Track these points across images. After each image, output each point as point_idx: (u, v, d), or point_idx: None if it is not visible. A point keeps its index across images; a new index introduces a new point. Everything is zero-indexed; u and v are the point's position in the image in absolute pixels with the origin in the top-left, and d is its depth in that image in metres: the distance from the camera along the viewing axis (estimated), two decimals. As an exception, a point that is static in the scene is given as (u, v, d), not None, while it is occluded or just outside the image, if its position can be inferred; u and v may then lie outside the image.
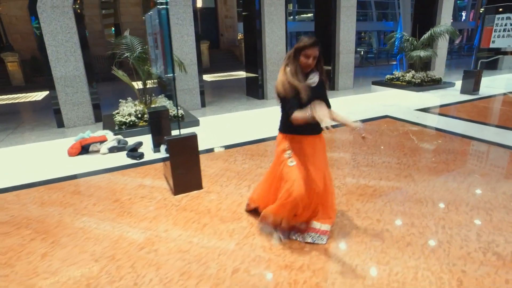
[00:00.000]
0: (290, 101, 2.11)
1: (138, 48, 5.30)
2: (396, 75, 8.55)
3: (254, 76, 8.84)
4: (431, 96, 7.35)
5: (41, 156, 4.33)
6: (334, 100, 7.45)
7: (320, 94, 2.19)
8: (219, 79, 13.16)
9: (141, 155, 4.05)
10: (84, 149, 4.20)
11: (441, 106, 6.39)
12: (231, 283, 1.95)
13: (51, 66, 6.15)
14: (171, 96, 6.66)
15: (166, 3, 2.79)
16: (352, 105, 6.92)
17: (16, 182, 3.54)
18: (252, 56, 8.84)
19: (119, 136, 4.47)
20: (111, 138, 4.33)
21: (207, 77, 13.78)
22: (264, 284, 1.94)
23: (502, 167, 3.48)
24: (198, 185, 3.15)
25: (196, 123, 5.58)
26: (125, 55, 5.26)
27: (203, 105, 7.69)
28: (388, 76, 8.79)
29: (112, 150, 4.20)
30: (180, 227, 2.56)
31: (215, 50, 17.70)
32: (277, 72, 7.37)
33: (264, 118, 6.07)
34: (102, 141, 4.27)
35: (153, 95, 6.13)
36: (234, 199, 2.96)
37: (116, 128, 5.03)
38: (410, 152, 3.92)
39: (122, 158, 4.07)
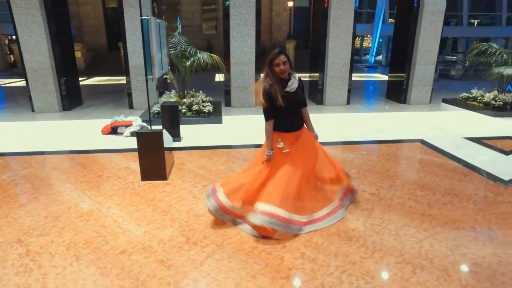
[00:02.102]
0: (265, 111, 2.57)
1: (181, 46, 5.96)
2: (474, 94, 7.29)
3: (315, 80, 8.77)
4: (508, 124, 6.08)
5: (93, 131, 5.41)
6: (383, 115, 6.89)
7: (299, 97, 2.65)
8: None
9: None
10: (114, 130, 5.07)
11: (507, 137, 5.27)
12: (108, 261, 2.31)
13: (128, 57, 7.43)
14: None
15: (147, 16, 3.22)
16: (396, 122, 6.29)
17: (55, 148, 4.59)
18: (316, 60, 8.76)
19: (143, 123, 5.21)
20: (136, 124, 5.09)
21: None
22: (137, 270, 2.22)
23: None
24: (162, 176, 3.56)
25: (219, 120, 5.99)
26: (170, 52, 5.98)
27: None
28: (463, 95, 7.55)
29: (133, 134, 4.95)
30: (120, 207, 3.03)
31: (304, 49, 17.71)
32: (338, 79, 7.43)
33: (314, 124, 6.03)
34: (128, 125, 5.07)
35: (193, 89, 6.78)
36: (181, 195, 3.28)
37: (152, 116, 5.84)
38: (400, 186, 3.52)
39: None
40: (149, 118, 3.55)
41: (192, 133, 5.28)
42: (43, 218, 2.83)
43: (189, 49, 5.79)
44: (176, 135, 4.82)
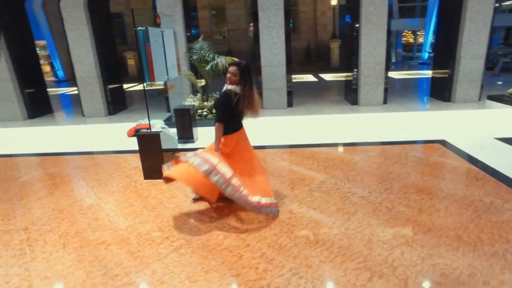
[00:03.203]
0: (225, 112, 2.87)
1: (203, 52, 6.24)
2: (525, 89, 6.44)
3: (349, 79, 8.52)
4: None
5: (124, 133, 5.95)
6: (418, 114, 6.44)
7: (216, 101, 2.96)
8: (334, 79, 12.98)
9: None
10: (137, 132, 5.51)
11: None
12: (88, 249, 2.59)
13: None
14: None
15: (144, 27, 3.49)
16: (426, 121, 5.84)
17: (84, 149, 5.16)
18: (349, 59, 8.51)
19: (161, 127, 5.57)
20: (156, 127, 5.47)
21: (326, 77, 13.80)
22: (108, 259, 2.47)
23: None
24: (162, 175, 3.81)
25: (237, 122, 6.14)
26: (192, 57, 6.30)
27: (290, 105, 8.08)
28: (511, 90, 6.71)
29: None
30: (116, 203, 3.34)
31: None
32: (372, 77, 7.27)
33: (335, 124, 5.98)
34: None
35: (217, 93, 7.02)
36: (174, 193, 3.49)
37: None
38: (397, 189, 3.31)
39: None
40: (148, 121, 3.83)
41: (209, 135, 5.51)
42: (51, 210, 3.25)
43: (207, 54, 6.05)
44: (189, 137, 5.09)
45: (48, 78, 18.63)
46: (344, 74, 8.99)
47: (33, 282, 2.29)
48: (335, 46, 16.10)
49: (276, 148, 4.76)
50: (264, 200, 2.88)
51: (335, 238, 2.57)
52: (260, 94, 7.98)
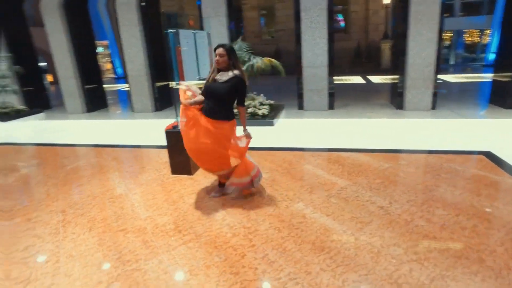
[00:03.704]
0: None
1: (240, 52, 6.37)
2: None
3: (394, 82, 8.11)
4: None
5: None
6: (469, 122, 5.92)
7: (217, 87, 2.94)
8: (383, 82, 12.39)
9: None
10: (173, 128, 5.81)
11: None
12: (109, 235, 2.83)
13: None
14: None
15: (174, 30, 3.69)
16: (475, 130, 5.34)
17: (128, 142, 5.57)
18: (396, 60, 8.10)
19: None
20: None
21: (375, 79, 13.24)
22: (124, 245, 2.68)
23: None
24: (187, 171, 4.00)
25: (270, 123, 6.17)
26: (241, 56, 6.42)
27: (331, 107, 7.94)
28: None
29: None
30: (142, 195, 3.58)
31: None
32: (420, 81, 6.97)
33: (373, 129, 5.76)
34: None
35: (254, 92, 7.12)
36: (195, 189, 3.64)
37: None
38: (421, 202, 3.10)
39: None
40: (176, 118, 4.04)
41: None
42: (86, 197, 3.59)
43: (243, 54, 6.16)
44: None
45: (109, 75, 20.35)
46: (391, 77, 8.55)
47: (60, 258, 2.57)
48: (386, 47, 15.34)
49: (304, 151, 4.71)
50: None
51: (342, 247, 2.50)
52: (301, 95, 7.91)
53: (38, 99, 10.08)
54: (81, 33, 9.30)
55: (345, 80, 13.13)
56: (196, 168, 4.08)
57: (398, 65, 7.77)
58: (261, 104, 6.65)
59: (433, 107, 7.40)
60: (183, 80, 3.95)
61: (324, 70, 7.65)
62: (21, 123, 8.07)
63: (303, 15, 7.42)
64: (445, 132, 5.35)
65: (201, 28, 7.98)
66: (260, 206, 3.19)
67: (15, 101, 9.21)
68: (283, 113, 7.36)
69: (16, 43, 9.59)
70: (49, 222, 3.12)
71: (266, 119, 6.21)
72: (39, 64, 11.06)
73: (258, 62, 6.00)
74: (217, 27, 7.94)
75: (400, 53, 7.51)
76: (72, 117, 8.77)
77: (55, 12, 8.73)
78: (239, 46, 6.52)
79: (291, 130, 5.89)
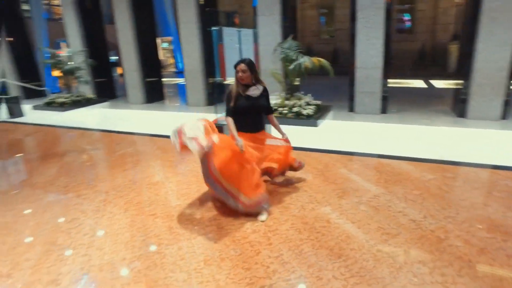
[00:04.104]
0: (227, 107, 3.05)
1: (290, 51, 6.34)
2: None
3: (457, 88, 7.44)
4: None
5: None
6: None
7: (258, 103, 3.04)
8: (447, 87, 11.37)
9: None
10: (217, 123, 6.03)
11: None
12: (140, 218, 3.05)
13: (259, 61, 8.40)
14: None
15: (216, 28, 3.82)
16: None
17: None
18: (461, 63, 7.43)
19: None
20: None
21: (439, 83, 12.24)
22: (151, 229, 2.88)
23: None
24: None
25: (314, 123, 6.05)
26: (281, 56, 6.44)
27: (384, 111, 7.57)
28: None
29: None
30: (177, 184, 3.79)
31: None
32: (488, 87, 6.45)
33: (424, 137, 5.38)
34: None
35: (302, 92, 7.03)
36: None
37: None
38: (462, 220, 2.82)
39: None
40: (216, 113, 4.17)
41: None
42: (128, 181, 3.91)
43: (291, 53, 6.12)
44: (260, 133, 5.30)
45: (171, 69, 21.63)
46: (454, 81, 7.82)
47: (96, 233, 2.85)
48: (454, 49, 13.99)
49: (342, 154, 4.55)
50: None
51: (361, 257, 2.39)
52: (352, 98, 7.63)
53: (106, 89, 11.14)
54: (145, 30, 10.02)
55: (405, 83, 12.30)
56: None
57: (463, 69, 7.09)
58: (307, 104, 6.55)
59: (504, 117, 6.61)
60: (224, 77, 4.08)
61: (378, 72, 7.28)
62: (89, 111, 9.00)
63: (358, 14, 7.13)
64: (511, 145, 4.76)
65: (255, 27, 8.11)
66: (286, 205, 3.17)
67: (87, 91, 10.29)
68: (331, 114, 7.17)
69: (92, 39, 10.69)
70: (94, 200, 3.47)
71: (311, 120, 6.10)
72: (110, 58, 12.19)
73: (306, 61, 5.90)
74: (270, 26, 7.99)
75: (466, 55, 6.84)
76: (132, 106, 9.52)
77: (125, 11, 9.53)
78: (289, 44, 6.48)
79: (335, 132, 5.71)
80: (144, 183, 3.83)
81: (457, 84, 7.54)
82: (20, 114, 8.03)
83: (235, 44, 4.23)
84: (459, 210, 2.97)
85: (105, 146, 5.47)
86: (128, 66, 10.09)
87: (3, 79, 8.40)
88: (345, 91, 7.65)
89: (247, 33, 4.60)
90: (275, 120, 3.30)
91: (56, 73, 10.08)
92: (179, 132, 2.81)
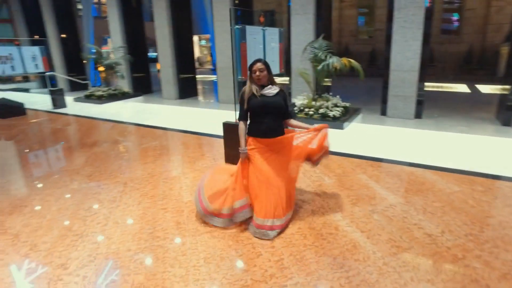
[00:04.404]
0: (240, 110, 2.89)
1: (319, 51, 6.19)
2: None
3: (503, 93, 6.86)
4: None
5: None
6: None
7: (274, 101, 2.74)
8: (494, 92, 10.51)
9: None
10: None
11: None
12: (151, 210, 3.14)
13: (291, 59, 8.30)
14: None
15: (238, 26, 3.80)
16: None
17: (196, 129, 6.01)
18: (510, 66, 6.85)
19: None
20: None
21: (485, 88, 11.37)
22: (159, 222, 2.95)
23: None
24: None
25: (339, 126, 5.86)
26: (310, 56, 6.31)
27: (418, 116, 7.19)
28: None
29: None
30: (192, 179, 3.85)
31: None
32: None
33: (460, 146, 5.04)
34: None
35: (330, 93, 6.84)
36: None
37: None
38: (485, 239, 2.58)
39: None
40: (234, 110, 4.17)
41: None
42: (146, 174, 4.04)
43: (320, 53, 5.97)
44: (282, 133, 5.24)
45: (208, 66, 22.05)
46: (501, 87, 7.20)
47: (108, 222, 2.98)
48: (505, 51, 12.86)
49: (364, 159, 4.36)
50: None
51: (365, 269, 2.27)
52: (385, 101, 7.31)
53: (143, 84, 11.62)
54: (182, 27, 10.29)
55: (447, 88, 11.55)
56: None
57: (510, 72, 6.52)
58: (335, 105, 6.37)
59: (559, 128, 5.99)
60: (245, 76, 4.05)
61: (414, 75, 6.90)
62: (123, 104, 9.43)
63: (396, 14, 6.80)
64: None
65: (288, 25, 8.02)
66: (295, 209, 3.10)
67: (125, 85, 10.79)
68: (359, 117, 6.91)
69: (132, 35, 11.20)
70: (112, 190, 3.62)
71: (337, 122, 5.92)
72: (148, 54, 12.69)
73: (334, 62, 5.73)
74: (304, 25, 7.87)
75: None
76: (165, 102, 9.83)
77: (163, 9, 9.86)
78: (319, 44, 6.34)
79: (361, 135, 5.50)
80: (161, 177, 3.94)
81: (503, 89, 6.94)
82: (63, 105, 8.62)
83: (258, 43, 4.18)
84: (484, 228, 2.72)
85: (132, 139, 5.71)
86: (164, 62, 10.43)
87: (51, 72, 9.02)
88: (380, 94, 7.34)
89: (272, 32, 4.54)
90: (295, 122, 2.92)
91: (101, 68, 10.68)
92: (199, 198, 2.92)
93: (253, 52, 4.10)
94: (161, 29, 10.10)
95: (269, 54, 4.49)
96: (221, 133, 5.65)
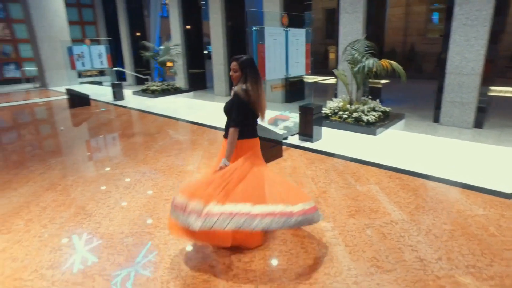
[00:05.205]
0: None
1: (356, 52, 5.89)
2: None
3: None
4: None
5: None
6: None
7: (225, 104, 2.52)
8: None
9: (286, 137, 5.31)
10: (275, 122, 6.05)
11: None
12: (157, 199, 3.38)
13: (338, 58, 8.05)
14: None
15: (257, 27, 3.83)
16: None
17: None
18: None
19: (293, 120, 5.81)
20: (290, 120, 5.79)
21: None
22: (159, 212, 3.17)
23: None
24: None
25: (372, 132, 5.50)
26: (349, 56, 6.04)
27: (479, 125, 6.46)
28: None
29: (286, 128, 5.67)
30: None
31: None
32: None
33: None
34: (286, 119, 5.88)
35: (369, 96, 6.45)
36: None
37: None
38: (502, 273, 2.26)
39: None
40: (282, 112, 4.20)
41: (333, 138, 5.33)
42: (165, 166, 4.32)
43: (356, 54, 5.67)
44: (307, 135, 5.14)
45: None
46: None
47: (116, 206, 3.29)
48: None
49: (382, 169, 4.06)
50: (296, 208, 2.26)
51: (331, 284, 2.16)
52: (438, 107, 6.66)
53: (199, 80, 12.28)
54: (235, 26, 10.61)
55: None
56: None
57: None
58: (373, 110, 6.00)
59: None
60: (263, 76, 4.08)
61: (475, 79, 6.17)
62: (173, 99, 10.08)
63: (457, 10, 6.13)
64: None
65: (337, 25, 7.75)
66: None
67: (180, 81, 11.52)
68: (400, 123, 6.39)
69: (190, 33, 11.89)
70: (130, 178, 3.97)
71: (370, 127, 5.57)
72: (205, 51, 13.35)
73: (370, 63, 5.39)
74: (352, 24, 7.56)
75: None
76: (216, 98, 10.25)
77: (218, 9, 10.28)
78: (360, 44, 6.03)
79: (393, 143, 5.10)
80: (177, 170, 4.18)
81: None
82: (121, 98, 9.56)
83: (279, 44, 4.16)
84: (495, 262, 2.37)
85: (166, 132, 6.11)
86: (217, 60, 10.88)
87: (117, 68, 10.06)
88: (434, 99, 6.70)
89: (298, 32, 4.46)
90: (230, 135, 2.43)
91: (169, 63, 11.47)
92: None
93: (272, 53, 4.09)
94: (215, 28, 10.54)
95: (293, 55, 4.43)
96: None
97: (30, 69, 15.15)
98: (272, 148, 4.42)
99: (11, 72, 15.51)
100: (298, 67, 4.63)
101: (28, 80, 15.50)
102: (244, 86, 2.43)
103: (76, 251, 2.61)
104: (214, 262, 2.41)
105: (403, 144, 5.06)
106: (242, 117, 2.43)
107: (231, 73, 2.54)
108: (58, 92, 12.37)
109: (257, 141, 2.61)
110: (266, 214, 2.18)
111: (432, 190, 3.47)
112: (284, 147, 4.90)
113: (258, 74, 2.53)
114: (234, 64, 2.48)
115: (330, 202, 3.26)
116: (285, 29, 4.25)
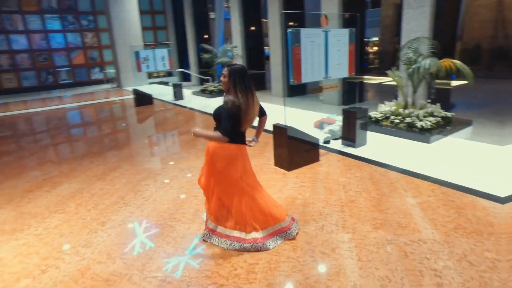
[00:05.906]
0: None
1: (410, 52, 5.40)
2: None
3: None
4: None
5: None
6: None
7: (215, 110, 2.56)
8: None
9: (327, 141, 5.14)
10: (321, 125, 5.88)
11: None
12: (168, 200, 3.57)
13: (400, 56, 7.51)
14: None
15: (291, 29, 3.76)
16: None
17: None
18: None
19: (338, 124, 5.55)
20: (336, 124, 5.56)
21: None
22: (171, 211, 3.36)
23: None
24: (285, 167, 4.14)
25: (425, 139, 4.97)
26: (408, 56, 5.54)
27: None
28: None
29: (331, 132, 5.47)
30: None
31: None
32: None
33: None
34: (331, 123, 5.67)
35: (428, 100, 5.86)
36: (272, 186, 3.78)
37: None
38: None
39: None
40: (284, 117, 4.16)
41: (380, 145, 4.99)
42: (187, 166, 4.54)
43: (411, 54, 5.20)
44: (351, 141, 4.90)
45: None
46: None
47: (150, 198, 3.58)
48: None
49: (425, 180, 3.64)
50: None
51: (331, 299, 2.06)
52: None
53: (257, 81, 12.49)
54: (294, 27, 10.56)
55: None
56: (294, 167, 4.15)
57: None
58: (430, 115, 5.45)
59: None
60: (299, 79, 4.02)
61: None
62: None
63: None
64: None
65: (400, 21, 7.21)
66: (307, 219, 2.98)
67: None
68: (465, 131, 5.64)
69: (250, 35, 12.18)
70: (169, 174, 4.29)
71: (424, 134, 5.05)
72: (264, 52, 13.54)
73: (426, 63, 4.89)
74: (417, 19, 6.95)
75: None
76: (272, 99, 10.30)
77: (276, 11, 10.33)
78: (419, 43, 5.52)
79: (449, 153, 4.54)
80: (196, 170, 4.32)
81: None
82: (181, 98, 10.23)
83: (317, 45, 4.02)
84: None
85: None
86: (274, 61, 10.94)
87: (181, 69, 10.80)
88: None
89: (339, 33, 4.25)
90: (215, 133, 2.51)
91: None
92: None
93: (309, 55, 3.98)
94: (273, 29, 10.61)
95: (333, 57, 4.25)
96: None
97: (110, 71, 17.74)
98: (307, 152, 4.31)
99: (96, 74, 18.72)
100: (340, 69, 4.42)
101: (108, 81, 18.25)
102: (231, 97, 2.44)
103: (104, 237, 2.90)
104: (220, 261, 2.47)
105: (460, 154, 4.50)
106: (230, 127, 2.44)
107: (222, 78, 2.56)
108: (129, 91, 13.76)
109: (243, 148, 2.64)
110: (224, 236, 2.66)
111: (482, 211, 3.03)
112: (323, 151, 4.75)
113: (248, 83, 2.49)
114: (225, 70, 2.53)
115: (355, 212, 3.08)
116: (324, 29, 4.09)
